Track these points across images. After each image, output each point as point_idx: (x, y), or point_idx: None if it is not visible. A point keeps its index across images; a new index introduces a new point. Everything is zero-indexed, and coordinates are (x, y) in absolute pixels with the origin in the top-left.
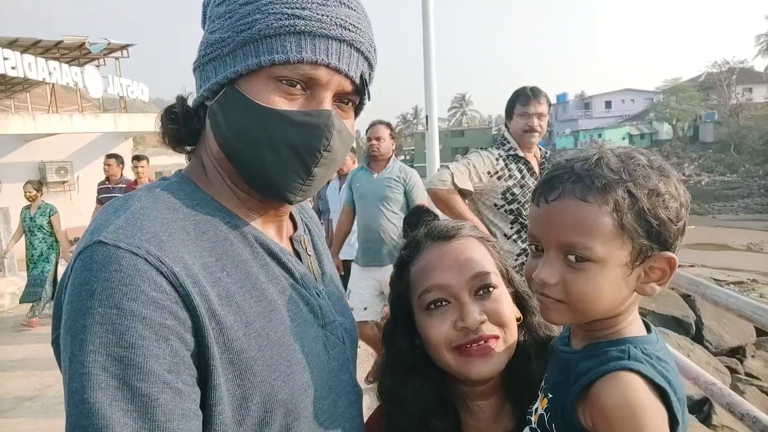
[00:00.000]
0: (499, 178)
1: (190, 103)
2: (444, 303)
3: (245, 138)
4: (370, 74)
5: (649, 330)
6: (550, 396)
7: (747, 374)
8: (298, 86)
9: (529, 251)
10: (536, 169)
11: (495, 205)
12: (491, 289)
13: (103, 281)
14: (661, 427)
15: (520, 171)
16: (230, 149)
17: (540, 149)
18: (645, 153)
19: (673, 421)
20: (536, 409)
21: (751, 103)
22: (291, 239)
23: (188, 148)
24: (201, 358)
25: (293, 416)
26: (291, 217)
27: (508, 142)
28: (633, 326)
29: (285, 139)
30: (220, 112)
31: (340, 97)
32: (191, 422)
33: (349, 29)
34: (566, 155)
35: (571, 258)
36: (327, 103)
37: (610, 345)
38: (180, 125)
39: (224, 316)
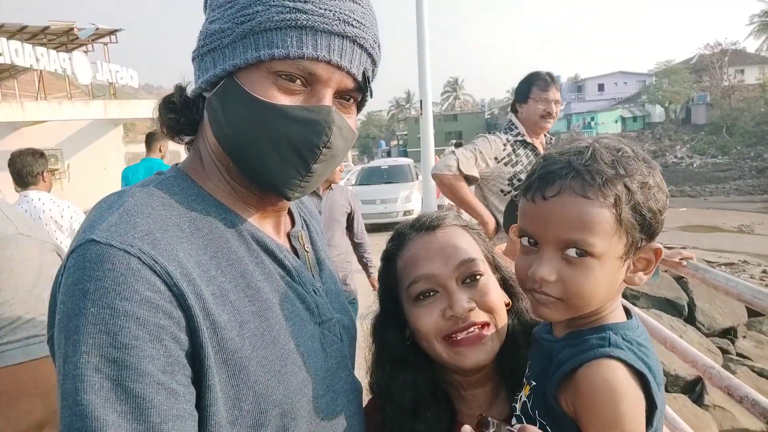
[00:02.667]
0: (506, 164)
1: (189, 92)
2: (432, 293)
3: (244, 132)
4: (373, 71)
5: (629, 316)
6: (533, 384)
7: (738, 354)
8: (298, 82)
9: (519, 249)
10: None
11: (501, 191)
12: (478, 276)
13: (95, 281)
14: (639, 412)
15: (528, 157)
16: (228, 143)
17: (545, 135)
18: (629, 144)
19: (652, 406)
20: (520, 397)
21: (743, 84)
22: (289, 235)
23: (187, 138)
24: (196, 358)
25: (290, 416)
26: (289, 212)
27: (516, 128)
28: (614, 313)
29: (284, 134)
30: (219, 105)
31: (341, 94)
32: (186, 423)
33: (352, 24)
34: (561, 140)
35: (570, 253)
36: (327, 99)
37: (592, 332)
38: (178, 115)
39: (218, 315)
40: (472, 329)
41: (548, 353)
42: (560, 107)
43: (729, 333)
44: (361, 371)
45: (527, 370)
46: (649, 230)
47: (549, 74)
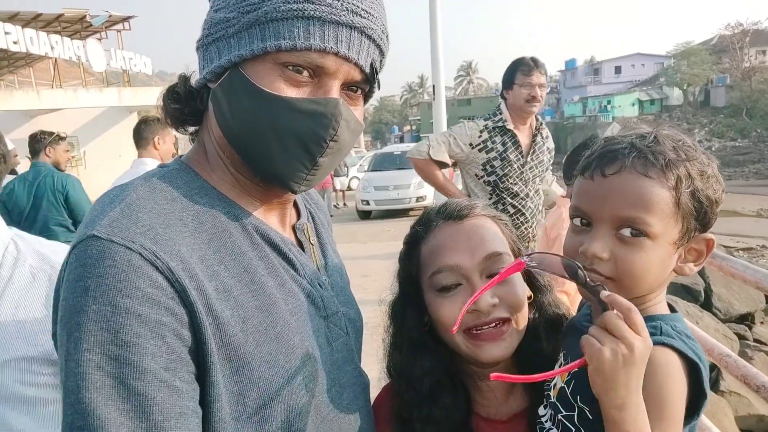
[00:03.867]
0: (480, 150)
1: (193, 82)
2: (455, 285)
3: (249, 125)
4: (381, 62)
5: (673, 310)
6: (576, 370)
7: (756, 340)
8: (305, 73)
9: (569, 228)
10: (524, 141)
11: (476, 175)
12: None
13: (96, 277)
14: (683, 401)
15: (504, 144)
16: (233, 135)
17: (537, 119)
18: (685, 136)
19: (701, 395)
20: (555, 384)
21: (764, 65)
22: (294, 228)
23: (191, 129)
24: (199, 355)
25: (294, 412)
26: (295, 204)
27: (500, 113)
28: (660, 305)
29: (291, 127)
30: (224, 96)
31: (348, 85)
32: (189, 420)
33: (360, 15)
34: (577, 124)
35: (625, 233)
36: (335, 91)
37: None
38: (182, 105)
39: (221, 311)
40: (493, 324)
41: None
42: (545, 91)
43: (746, 319)
44: (369, 359)
45: (561, 359)
46: (704, 219)
47: (533, 59)
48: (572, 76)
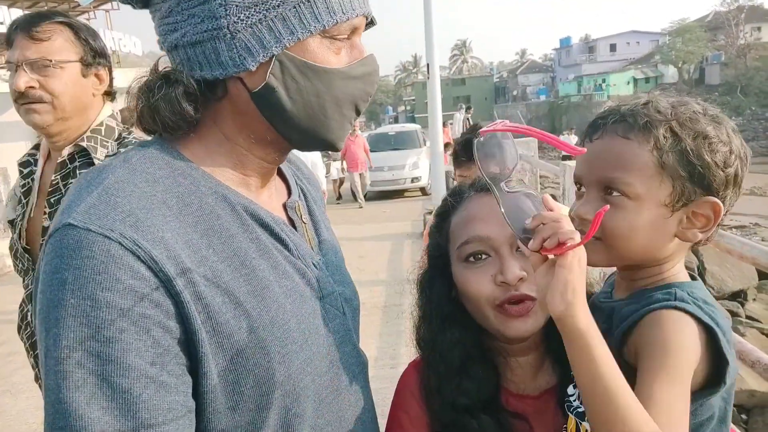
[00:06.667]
0: None
1: (210, 76)
2: (484, 256)
3: (314, 105)
4: None
5: (694, 279)
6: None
7: (748, 317)
8: (343, 38)
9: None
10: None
11: None
12: None
13: (74, 269)
14: (688, 360)
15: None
16: (292, 122)
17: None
18: (701, 103)
19: (722, 360)
20: None
21: (759, 42)
22: (285, 206)
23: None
24: (190, 345)
25: (292, 396)
26: (285, 182)
27: None
28: (678, 274)
29: (348, 93)
30: (281, 85)
31: None
32: (179, 415)
33: None
34: (572, 103)
35: (610, 194)
36: (363, 46)
37: (656, 290)
38: (197, 104)
39: (211, 298)
40: (525, 302)
41: (608, 315)
42: None
43: (739, 296)
44: (368, 340)
45: None
46: (703, 182)
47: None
48: (567, 54)
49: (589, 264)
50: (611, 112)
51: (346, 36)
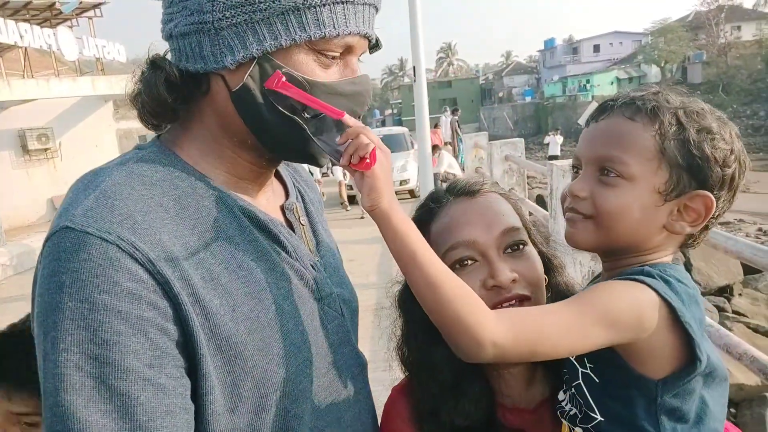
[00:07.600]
0: None
1: (192, 68)
2: (471, 261)
3: (291, 115)
4: None
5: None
6: None
7: (734, 312)
8: (334, 54)
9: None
10: None
11: None
12: (521, 245)
13: (72, 272)
14: (619, 307)
15: None
16: (266, 128)
17: None
18: (709, 106)
19: (690, 340)
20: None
21: (739, 41)
22: (283, 208)
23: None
24: (188, 347)
25: (291, 398)
26: (283, 183)
27: None
28: (661, 260)
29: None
30: (258, 87)
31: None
32: (177, 418)
33: None
34: (557, 104)
35: (605, 173)
36: (358, 66)
37: (631, 271)
38: (178, 93)
39: (209, 300)
40: (514, 301)
41: None
42: None
43: (725, 291)
44: (361, 341)
45: None
46: (699, 175)
47: None
48: (552, 55)
49: (576, 244)
50: (621, 96)
51: (338, 53)
